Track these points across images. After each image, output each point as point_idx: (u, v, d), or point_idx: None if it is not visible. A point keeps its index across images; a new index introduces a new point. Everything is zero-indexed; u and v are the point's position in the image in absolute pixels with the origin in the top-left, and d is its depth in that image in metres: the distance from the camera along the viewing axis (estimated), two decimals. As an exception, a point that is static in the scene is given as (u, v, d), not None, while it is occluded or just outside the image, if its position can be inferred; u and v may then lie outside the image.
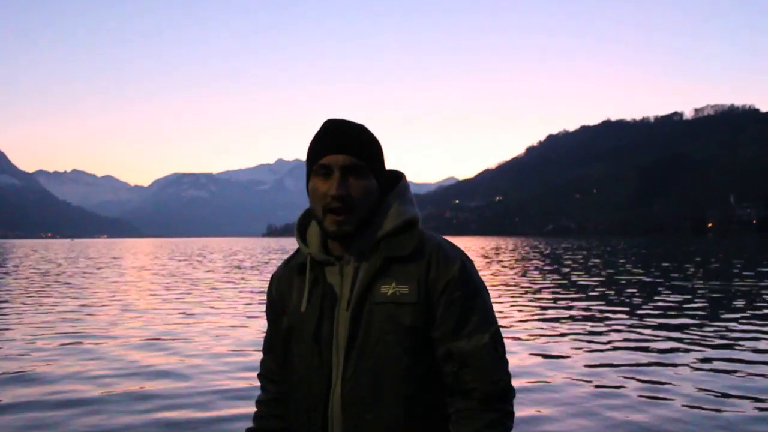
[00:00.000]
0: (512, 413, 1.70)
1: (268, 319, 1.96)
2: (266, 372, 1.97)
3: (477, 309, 1.69)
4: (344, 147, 1.67)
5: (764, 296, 16.64)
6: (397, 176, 1.84)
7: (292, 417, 1.80)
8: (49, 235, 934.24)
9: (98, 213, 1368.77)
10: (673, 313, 13.51)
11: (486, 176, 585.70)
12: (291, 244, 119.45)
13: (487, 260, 39.24)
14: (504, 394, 1.68)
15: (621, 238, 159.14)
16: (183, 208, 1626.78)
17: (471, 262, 1.76)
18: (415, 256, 1.68)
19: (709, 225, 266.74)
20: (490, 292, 1.76)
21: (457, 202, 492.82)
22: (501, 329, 1.73)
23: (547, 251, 57.87)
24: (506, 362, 1.72)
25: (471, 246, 79.24)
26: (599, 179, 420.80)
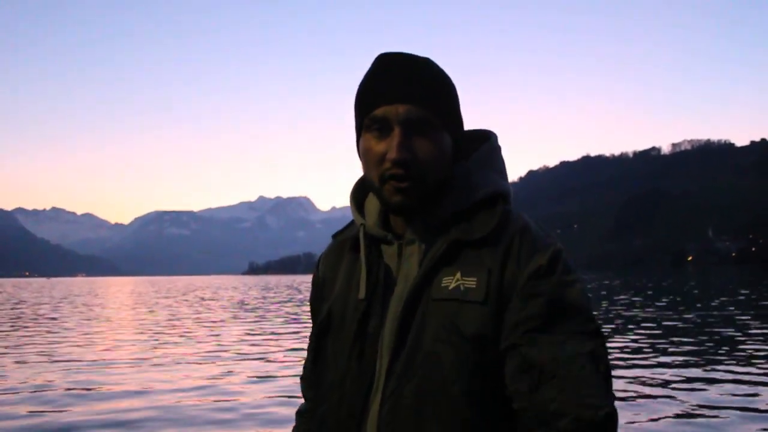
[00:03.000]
0: None
1: (311, 311, 1.55)
2: (308, 375, 1.56)
3: (570, 310, 1.20)
4: (407, 93, 1.22)
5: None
6: (483, 135, 1.41)
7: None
8: (27, 273, 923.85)
9: (77, 251, 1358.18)
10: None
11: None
12: (275, 282, 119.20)
13: None
14: (602, 426, 1.12)
15: (603, 272, 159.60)
16: (164, 245, 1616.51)
17: (566, 253, 1.28)
18: (492, 241, 1.24)
19: (689, 258, 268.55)
20: None
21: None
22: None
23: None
24: (611, 387, 1.18)
25: None
26: (579, 214, 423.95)
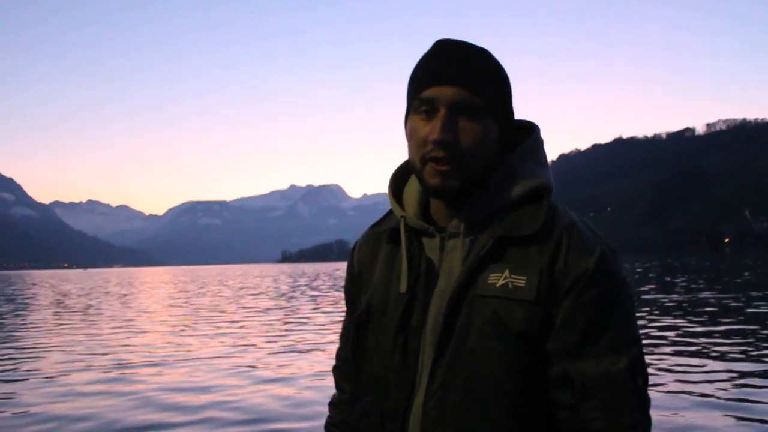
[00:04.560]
0: None
1: (346, 299, 1.53)
2: (343, 365, 1.55)
3: (615, 320, 1.20)
4: (457, 76, 1.22)
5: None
6: (528, 128, 1.37)
7: (356, 427, 1.37)
8: (65, 265, 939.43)
9: (113, 242, 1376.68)
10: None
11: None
12: (307, 269, 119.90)
13: None
14: None
15: (638, 255, 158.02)
16: (197, 235, 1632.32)
17: (615, 252, 1.25)
18: (539, 238, 1.22)
19: (726, 240, 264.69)
20: None
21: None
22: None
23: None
24: (648, 401, 1.21)
25: None
26: (613, 197, 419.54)
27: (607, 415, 1.15)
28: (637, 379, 1.18)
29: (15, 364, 10.91)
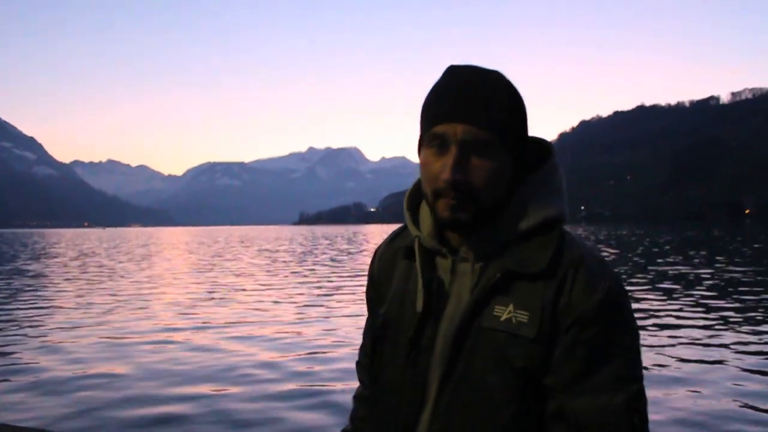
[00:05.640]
0: None
1: (367, 299, 1.58)
2: (364, 360, 1.62)
3: (614, 357, 1.20)
4: (467, 113, 1.21)
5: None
6: (544, 150, 1.37)
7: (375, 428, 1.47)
8: (86, 224, 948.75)
9: (132, 202, 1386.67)
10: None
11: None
12: (326, 232, 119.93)
13: None
14: None
15: (656, 225, 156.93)
16: (215, 196, 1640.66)
17: (622, 287, 1.25)
18: (546, 274, 1.23)
19: (747, 211, 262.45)
20: None
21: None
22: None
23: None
24: None
25: None
26: (633, 165, 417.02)
27: None
28: (633, 417, 1.17)
29: (44, 318, 11.18)
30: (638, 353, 1.22)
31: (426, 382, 1.29)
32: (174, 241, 70.43)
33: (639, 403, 1.19)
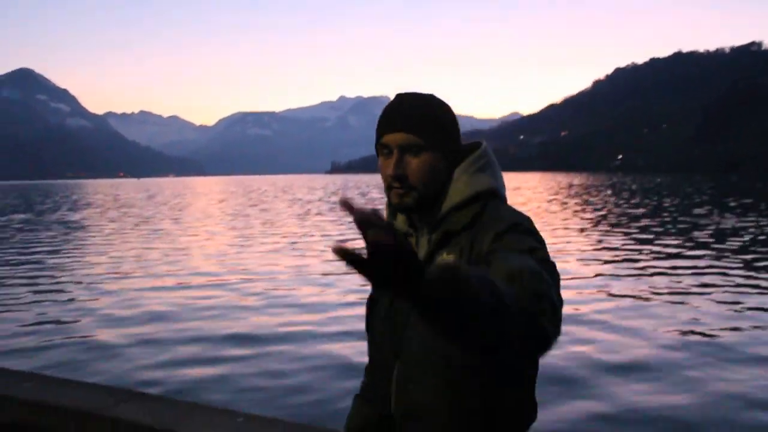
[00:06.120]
0: (545, 331, 1.28)
1: None
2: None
3: (527, 243, 1.53)
4: (400, 125, 1.66)
5: None
6: (476, 146, 1.79)
7: (369, 377, 1.93)
8: (120, 174, 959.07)
9: (165, 153, 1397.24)
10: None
11: (551, 111, 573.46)
12: (356, 181, 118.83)
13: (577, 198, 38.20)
14: (542, 313, 1.30)
15: (690, 174, 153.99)
16: (247, 146, 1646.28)
17: (529, 222, 1.63)
18: (469, 226, 1.66)
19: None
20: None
21: (521, 137, 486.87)
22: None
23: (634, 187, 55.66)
24: (553, 286, 1.39)
25: (532, 183, 77.45)
26: (669, 113, 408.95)
27: (521, 289, 1.31)
28: (545, 275, 1.36)
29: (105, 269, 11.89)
30: (545, 249, 1.53)
31: (400, 336, 1.70)
32: (215, 192, 70.49)
33: (548, 264, 1.47)
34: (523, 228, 1.58)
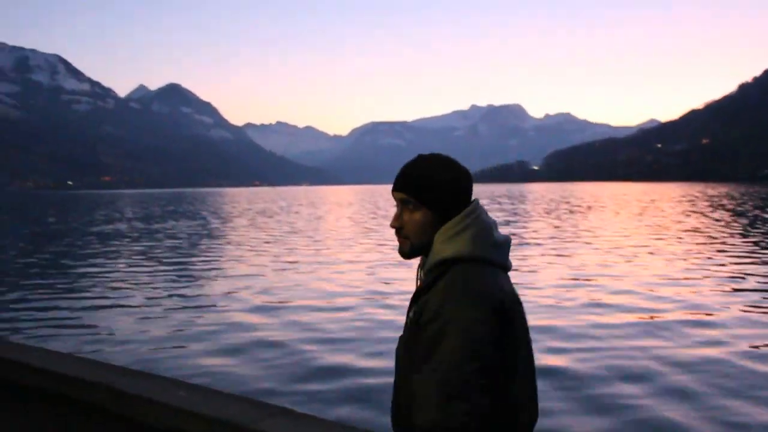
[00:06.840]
0: None
1: None
2: None
3: (443, 353, 1.76)
4: (399, 185, 1.97)
5: None
6: (463, 207, 1.99)
7: None
8: (256, 183, 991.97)
9: (300, 162, 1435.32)
10: None
11: (692, 117, 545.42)
12: (491, 191, 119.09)
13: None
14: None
15: None
16: (380, 155, 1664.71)
17: (462, 305, 1.79)
18: (425, 290, 1.91)
19: None
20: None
21: (659, 145, 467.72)
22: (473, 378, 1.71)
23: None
24: (453, 412, 1.70)
25: (672, 193, 74.80)
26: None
27: (418, 409, 1.78)
28: (443, 394, 1.71)
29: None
30: (468, 347, 1.73)
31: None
32: (353, 200, 71.67)
33: (451, 385, 1.71)
34: (449, 314, 1.78)
